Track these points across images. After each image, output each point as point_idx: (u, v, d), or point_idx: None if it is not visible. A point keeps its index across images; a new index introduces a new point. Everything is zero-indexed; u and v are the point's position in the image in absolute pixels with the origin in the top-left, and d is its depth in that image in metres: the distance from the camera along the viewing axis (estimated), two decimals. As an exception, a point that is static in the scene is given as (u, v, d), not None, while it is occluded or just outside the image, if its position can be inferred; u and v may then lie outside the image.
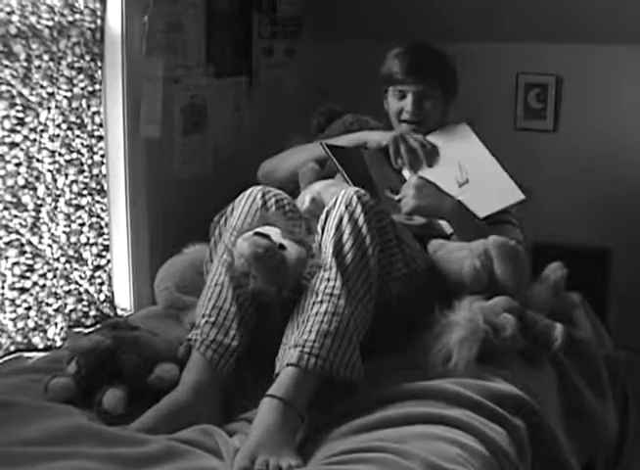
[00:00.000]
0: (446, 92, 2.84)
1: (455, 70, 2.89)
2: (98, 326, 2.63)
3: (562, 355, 2.42)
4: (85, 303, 2.72)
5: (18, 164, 2.44)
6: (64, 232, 2.62)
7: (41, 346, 2.56)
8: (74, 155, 2.63)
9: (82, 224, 2.68)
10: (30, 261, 2.50)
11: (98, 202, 2.73)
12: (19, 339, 2.50)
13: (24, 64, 2.41)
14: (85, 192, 2.68)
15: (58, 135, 2.56)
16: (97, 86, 2.69)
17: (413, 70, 2.79)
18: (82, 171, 2.66)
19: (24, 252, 2.48)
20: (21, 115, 2.43)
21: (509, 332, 2.23)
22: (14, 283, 2.47)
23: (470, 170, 2.76)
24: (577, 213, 3.40)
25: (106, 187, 2.76)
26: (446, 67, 2.85)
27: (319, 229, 2.27)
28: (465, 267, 2.40)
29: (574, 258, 2.76)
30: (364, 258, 2.17)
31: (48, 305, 2.57)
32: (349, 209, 2.21)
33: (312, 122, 3.11)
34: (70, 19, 2.55)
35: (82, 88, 2.64)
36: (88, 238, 2.71)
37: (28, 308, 2.52)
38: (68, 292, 2.66)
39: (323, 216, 2.27)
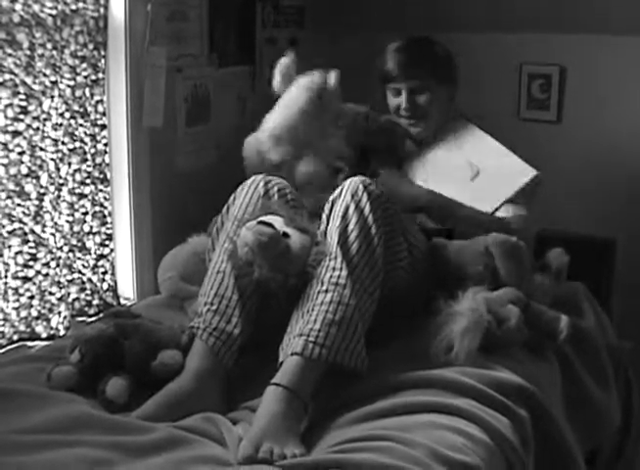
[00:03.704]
0: (443, 83, 2.83)
1: (452, 59, 2.89)
2: (101, 315, 2.63)
3: (566, 346, 2.42)
4: (88, 292, 2.71)
5: (21, 153, 2.43)
6: (67, 221, 2.62)
7: (44, 335, 2.55)
8: (77, 144, 2.63)
9: (85, 213, 2.68)
10: (34, 250, 2.50)
11: (101, 191, 2.73)
12: (22, 328, 2.50)
13: (28, 52, 2.41)
14: (88, 181, 2.68)
15: (61, 124, 2.56)
16: (100, 75, 2.68)
17: (404, 68, 2.81)
18: (85, 160, 2.66)
19: (28, 241, 2.48)
20: (24, 103, 2.42)
21: (513, 323, 2.24)
22: (17, 272, 2.47)
23: (478, 162, 2.76)
24: (582, 204, 3.40)
25: (109, 176, 2.76)
26: (440, 58, 2.85)
27: (324, 218, 2.27)
28: (468, 270, 2.40)
29: (579, 248, 2.76)
30: (370, 247, 2.17)
31: (51, 293, 2.57)
32: (355, 198, 2.21)
33: None
34: (74, 7, 2.54)
35: (85, 77, 2.63)
36: (91, 227, 2.71)
37: (32, 297, 2.51)
38: (72, 281, 2.66)
39: (328, 205, 2.27)
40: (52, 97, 2.51)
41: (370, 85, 2.96)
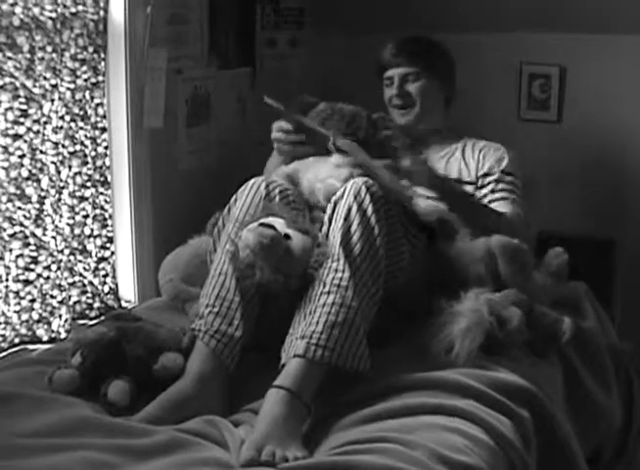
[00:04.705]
0: (437, 77, 2.88)
1: (448, 57, 2.94)
2: (102, 318, 2.63)
3: (568, 347, 2.41)
4: (89, 294, 2.71)
5: (21, 156, 2.43)
6: (67, 224, 2.62)
7: (45, 338, 2.55)
8: (78, 146, 2.63)
9: (86, 216, 2.68)
10: (34, 253, 2.50)
11: (102, 193, 2.73)
12: (23, 331, 2.50)
13: (28, 55, 2.41)
14: (89, 184, 2.68)
15: (61, 127, 2.56)
16: (100, 78, 2.68)
17: (397, 55, 2.88)
18: (86, 163, 2.66)
19: (28, 244, 2.48)
20: (24, 106, 2.42)
21: (514, 325, 2.23)
22: (18, 275, 2.47)
23: None
24: (582, 204, 3.39)
25: (109, 179, 2.76)
26: (435, 52, 2.92)
27: (326, 219, 2.27)
28: (470, 272, 2.40)
29: (579, 248, 2.76)
30: (372, 248, 2.17)
31: (52, 297, 2.57)
32: (358, 199, 2.21)
33: None
34: (74, 10, 2.55)
35: (86, 80, 2.63)
36: (92, 230, 2.71)
37: (33, 301, 2.51)
38: (73, 284, 2.66)
39: (331, 206, 2.27)
40: (52, 100, 2.51)
41: (369, 85, 2.96)
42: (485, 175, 2.82)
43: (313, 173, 2.44)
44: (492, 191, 2.79)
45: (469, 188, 2.83)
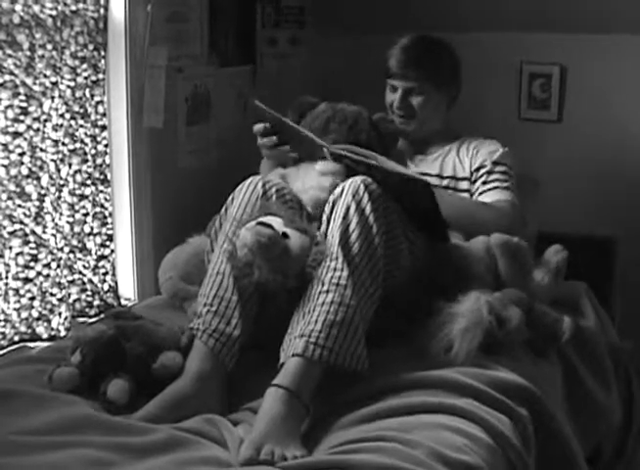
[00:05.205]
0: (441, 89, 2.86)
1: (456, 66, 2.91)
2: (102, 316, 2.63)
3: (568, 346, 2.41)
4: (89, 292, 2.71)
5: (21, 154, 2.43)
6: (67, 222, 2.62)
7: (45, 336, 2.55)
8: (78, 144, 2.63)
9: (86, 214, 2.68)
10: (34, 251, 2.50)
11: (102, 191, 2.73)
12: (23, 329, 2.50)
13: (28, 53, 2.40)
14: (89, 182, 2.67)
15: (61, 125, 2.55)
16: (100, 76, 2.68)
17: (404, 67, 2.84)
18: (86, 161, 2.66)
19: (28, 241, 2.48)
20: (24, 104, 2.42)
21: (514, 324, 2.23)
22: (18, 273, 2.47)
23: None
24: (582, 203, 3.39)
25: (109, 177, 2.76)
26: (443, 64, 2.88)
27: (324, 218, 2.27)
28: (470, 272, 2.39)
29: (579, 247, 2.76)
30: (371, 247, 2.17)
31: (52, 294, 2.56)
32: (356, 198, 2.20)
33: None
34: (74, 8, 2.54)
35: (86, 78, 2.63)
36: (92, 228, 2.71)
37: (32, 298, 2.51)
38: (72, 282, 2.66)
39: (329, 206, 2.27)
40: (52, 98, 2.51)
41: (369, 84, 2.96)
42: (478, 169, 2.82)
43: (301, 182, 2.44)
44: (484, 183, 2.79)
45: (464, 184, 2.83)
